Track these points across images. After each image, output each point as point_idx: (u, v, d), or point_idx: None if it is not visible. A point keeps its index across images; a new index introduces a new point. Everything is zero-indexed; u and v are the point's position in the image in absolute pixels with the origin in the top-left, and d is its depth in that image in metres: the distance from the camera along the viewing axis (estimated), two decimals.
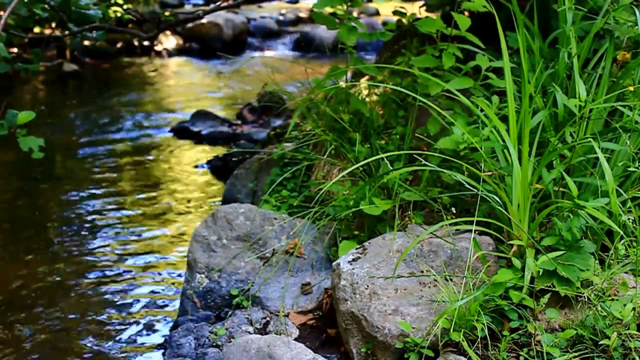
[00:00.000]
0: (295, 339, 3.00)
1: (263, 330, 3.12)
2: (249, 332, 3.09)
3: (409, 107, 3.97)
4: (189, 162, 6.12)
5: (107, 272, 4.20)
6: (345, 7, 3.88)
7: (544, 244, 2.71)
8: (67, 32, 6.24)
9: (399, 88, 3.45)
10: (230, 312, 3.24)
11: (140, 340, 3.50)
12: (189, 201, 5.27)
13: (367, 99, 4.14)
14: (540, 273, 2.61)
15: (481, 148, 2.99)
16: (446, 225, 2.86)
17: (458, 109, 3.45)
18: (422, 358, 2.56)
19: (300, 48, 11.13)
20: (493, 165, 2.96)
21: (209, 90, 8.77)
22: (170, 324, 3.55)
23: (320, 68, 4.68)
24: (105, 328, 3.62)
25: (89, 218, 4.96)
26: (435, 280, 2.78)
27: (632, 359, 2.41)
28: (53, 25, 7.17)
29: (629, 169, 2.88)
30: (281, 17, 12.47)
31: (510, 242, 2.78)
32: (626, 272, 2.68)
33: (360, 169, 3.53)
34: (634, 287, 2.59)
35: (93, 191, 5.45)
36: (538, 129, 3.06)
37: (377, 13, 12.88)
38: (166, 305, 3.83)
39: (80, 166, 6.01)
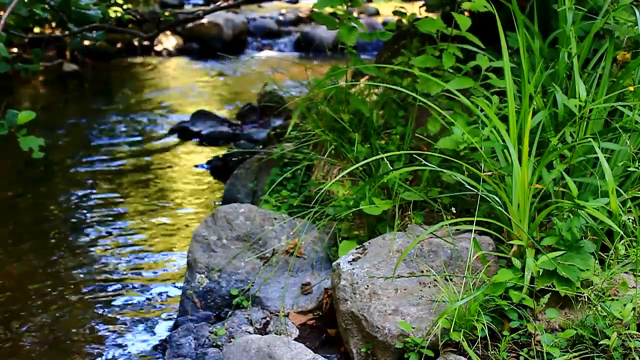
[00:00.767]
0: (295, 339, 3.00)
1: (263, 330, 3.12)
2: (249, 332, 3.09)
3: (409, 107, 3.97)
4: (189, 162, 6.13)
5: (107, 272, 4.20)
6: (345, 7, 3.88)
7: (544, 244, 2.71)
8: (67, 32, 6.24)
9: (399, 88, 3.45)
10: (230, 312, 3.24)
11: (140, 340, 3.50)
12: (189, 201, 5.27)
13: (367, 99, 4.14)
14: (540, 273, 2.61)
15: (481, 148, 2.99)
16: (446, 225, 2.86)
17: (458, 109, 3.45)
18: (422, 358, 2.56)
19: (300, 48, 11.13)
20: (493, 165, 2.96)
21: (209, 90, 8.77)
22: (170, 324, 3.55)
23: (320, 68, 4.68)
24: (105, 328, 3.62)
25: (88, 218, 4.96)
26: (435, 280, 2.78)
27: (632, 359, 2.41)
28: (53, 25, 7.17)
29: (629, 169, 2.88)
30: (281, 17, 12.48)
31: (510, 242, 2.78)
32: (626, 272, 2.68)
33: (360, 169, 3.53)
34: (634, 287, 2.59)
35: (93, 191, 5.45)
36: (538, 129, 3.05)
37: (377, 13, 12.88)
38: (166, 305, 3.83)
39: (80, 166, 6.01)
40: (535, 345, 2.54)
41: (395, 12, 4.45)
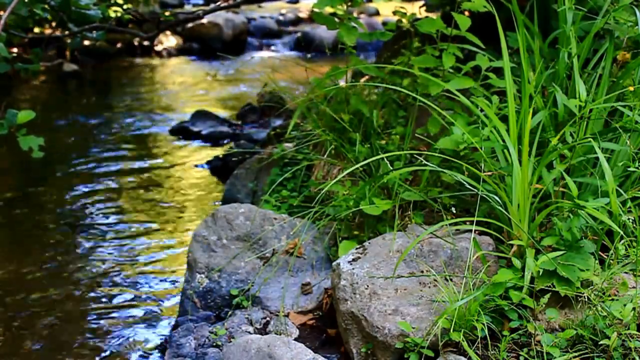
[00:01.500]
0: (295, 339, 3.00)
1: (263, 330, 3.12)
2: (249, 332, 3.09)
3: (409, 107, 3.97)
4: (189, 162, 6.13)
5: (107, 272, 4.20)
6: (345, 7, 3.88)
7: (544, 244, 2.71)
8: (67, 32, 6.24)
9: (399, 88, 3.45)
10: (230, 312, 3.24)
11: (140, 340, 3.50)
12: (189, 201, 5.27)
13: (367, 99, 4.14)
14: (540, 273, 2.61)
15: (481, 148, 2.99)
16: (446, 225, 2.86)
17: (458, 109, 3.45)
18: (422, 358, 2.56)
19: (300, 48, 11.13)
20: (493, 165, 2.96)
21: (209, 90, 8.77)
22: (171, 324, 3.55)
23: (320, 68, 4.68)
24: (105, 328, 3.62)
25: (88, 217, 4.96)
26: (435, 280, 2.78)
27: (632, 359, 2.41)
28: (53, 25, 7.17)
29: (629, 169, 2.88)
30: (281, 17, 12.48)
31: (510, 242, 2.78)
32: (626, 272, 2.68)
33: (360, 169, 3.53)
34: (634, 287, 2.59)
35: (93, 191, 5.45)
36: (538, 129, 3.05)
37: (377, 13, 12.88)
38: (166, 306, 3.83)
39: (80, 166, 6.01)
40: (535, 345, 2.54)
41: (395, 12, 4.45)
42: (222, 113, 7.43)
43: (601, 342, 2.44)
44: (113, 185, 5.59)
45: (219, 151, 6.29)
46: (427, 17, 3.81)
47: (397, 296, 2.75)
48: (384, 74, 4.01)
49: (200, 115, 7.05)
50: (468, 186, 2.87)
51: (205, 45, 10.72)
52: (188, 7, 12.62)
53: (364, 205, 3.23)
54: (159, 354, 3.34)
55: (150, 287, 4.04)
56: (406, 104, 4.06)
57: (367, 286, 2.79)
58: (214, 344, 3.06)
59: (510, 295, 2.60)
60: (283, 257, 3.40)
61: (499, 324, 2.63)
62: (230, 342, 2.97)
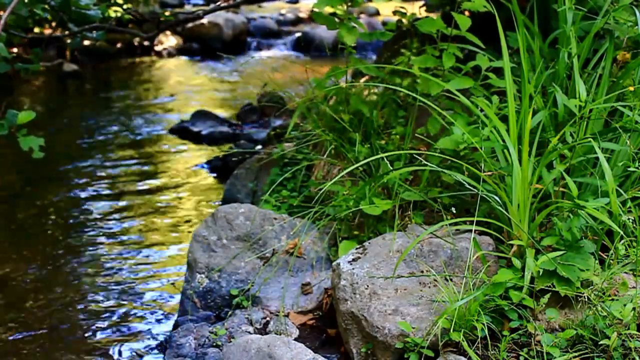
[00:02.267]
0: (295, 339, 3.00)
1: (263, 330, 3.12)
2: (249, 332, 3.09)
3: (409, 107, 3.97)
4: (189, 162, 6.13)
5: (107, 272, 4.20)
6: (345, 7, 3.88)
7: (544, 244, 2.71)
8: (67, 32, 6.24)
9: (399, 88, 3.45)
10: (230, 312, 3.24)
11: (140, 340, 3.50)
12: (189, 201, 5.27)
13: (367, 99, 4.14)
14: (540, 273, 2.61)
15: (481, 148, 2.99)
16: (446, 225, 2.86)
17: (458, 109, 3.45)
18: (422, 358, 2.56)
19: (300, 48, 11.13)
20: (493, 165, 2.96)
21: (209, 90, 8.77)
22: (170, 324, 3.55)
23: (320, 68, 4.68)
24: (105, 328, 3.62)
25: (88, 218, 4.96)
26: (435, 280, 2.78)
27: (632, 359, 2.41)
28: (53, 25, 7.17)
29: (629, 169, 2.88)
30: (281, 17, 12.48)
31: (510, 242, 2.78)
32: (626, 272, 2.68)
33: (360, 169, 3.53)
34: (634, 287, 2.59)
35: (93, 191, 5.45)
36: (538, 129, 3.05)
37: (377, 13, 12.88)
38: (166, 306, 3.83)
39: (80, 166, 6.01)
40: (535, 345, 2.54)
41: (395, 12, 4.45)
42: (222, 113, 7.43)
43: (601, 342, 2.44)
44: (113, 185, 5.59)
45: (219, 151, 6.29)
46: (427, 17, 3.81)
47: (397, 296, 2.75)
48: (384, 74, 4.01)
49: (200, 115, 7.05)
50: (468, 186, 2.87)
51: (205, 45, 10.72)
52: (188, 7, 12.61)
53: (364, 205, 3.23)
54: (159, 354, 3.34)
55: (150, 287, 4.04)
56: (406, 104, 4.05)
57: (367, 286, 2.79)
58: (214, 344, 3.06)
59: (510, 295, 2.60)
60: (283, 257, 3.40)
61: (499, 324, 2.63)
62: (230, 342, 2.97)
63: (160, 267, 4.27)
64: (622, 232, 2.61)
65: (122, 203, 5.23)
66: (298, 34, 11.44)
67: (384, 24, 5.37)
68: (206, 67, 10.07)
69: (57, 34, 6.90)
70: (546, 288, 2.60)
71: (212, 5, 10.17)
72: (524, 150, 2.80)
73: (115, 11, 8.44)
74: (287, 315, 3.17)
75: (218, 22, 10.87)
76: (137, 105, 7.98)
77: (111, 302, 3.87)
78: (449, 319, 2.51)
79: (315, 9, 3.90)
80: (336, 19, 3.89)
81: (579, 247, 2.67)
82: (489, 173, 2.88)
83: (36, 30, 8.72)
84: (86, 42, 9.43)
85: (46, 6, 5.37)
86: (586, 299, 2.57)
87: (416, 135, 3.52)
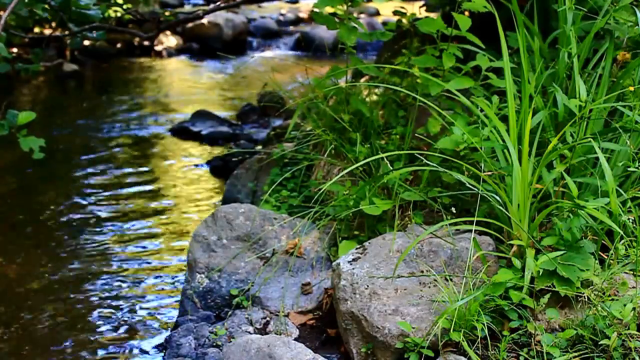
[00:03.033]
0: (295, 339, 3.00)
1: (263, 330, 3.12)
2: (249, 332, 3.09)
3: (409, 107, 3.97)
4: (189, 162, 6.13)
5: (107, 272, 4.20)
6: (345, 7, 3.88)
7: (544, 244, 2.71)
8: (67, 32, 6.24)
9: (399, 88, 3.45)
10: (230, 312, 3.24)
11: (140, 340, 3.50)
12: (188, 201, 5.27)
13: (367, 99, 4.14)
14: (540, 273, 2.61)
15: (481, 148, 2.99)
16: (446, 225, 2.86)
17: (458, 109, 3.45)
18: (422, 358, 2.56)
19: (300, 48, 11.13)
20: (493, 165, 2.96)
21: (209, 90, 8.77)
22: (171, 324, 3.55)
23: (320, 68, 4.68)
24: (105, 328, 3.62)
25: (88, 218, 4.96)
26: (435, 280, 2.78)
27: (632, 359, 2.41)
28: (53, 25, 7.17)
29: (629, 169, 2.88)
30: (281, 17, 12.48)
31: (510, 242, 2.78)
32: (626, 272, 2.68)
33: (360, 169, 3.53)
34: (634, 287, 2.59)
35: (93, 191, 5.45)
36: (538, 129, 3.05)
37: (377, 13, 12.88)
38: (166, 305, 3.83)
39: (80, 166, 6.01)
40: (535, 345, 2.54)
41: (395, 12, 4.45)
42: (222, 113, 7.43)
43: (601, 342, 2.44)
44: (113, 185, 5.59)
45: (219, 151, 6.29)
46: (427, 17, 3.81)
47: (397, 296, 2.75)
48: (384, 74, 4.01)
49: (200, 115, 7.05)
50: (468, 186, 2.87)
51: (205, 45, 10.72)
52: (188, 7, 12.62)
53: (364, 205, 3.23)
54: (159, 354, 3.34)
55: (150, 287, 4.04)
56: (406, 104, 4.05)
57: (367, 286, 2.79)
58: (214, 344, 3.06)
59: (510, 295, 2.60)
60: (283, 257, 3.40)
61: (499, 324, 2.63)
62: (230, 342, 2.97)
63: (160, 267, 4.27)
64: (622, 232, 2.61)
65: (121, 203, 5.23)
66: (298, 34, 11.44)
67: (384, 24, 5.37)
68: (206, 67, 10.07)
69: (57, 34, 6.90)
70: (546, 288, 2.60)
71: (212, 5, 10.17)
72: (524, 150, 2.80)
73: (115, 11, 8.44)
74: (287, 315, 3.17)
75: (218, 22, 10.87)
76: (137, 105, 7.98)
77: (111, 302, 3.87)
78: (449, 319, 2.51)
79: (315, 9, 3.90)
80: (336, 19, 3.89)
81: (579, 247, 2.67)
82: (489, 173, 2.88)
83: (36, 30, 8.72)
84: (86, 42, 9.43)
85: (46, 6, 5.37)
86: (586, 299, 2.57)
87: (416, 135, 3.52)
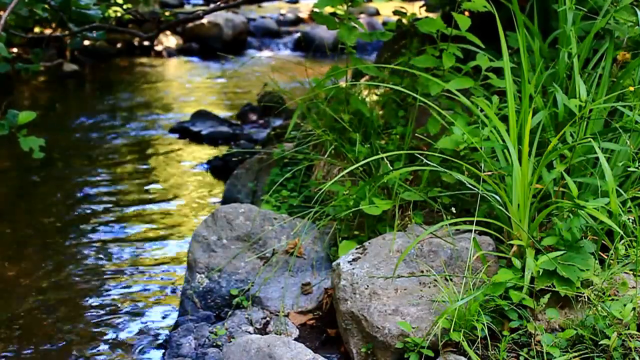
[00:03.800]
0: (295, 339, 3.00)
1: (263, 330, 3.12)
2: (249, 332, 3.09)
3: (409, 107, 3.97)
4: (189, 162, 6.13)
5: (107, 272, 4.20)
6: (345, 7, 3.88)
7: (544, 244, 2.71)
8: (67, 32, 6.24)
9: (399, 88, 3.45)
10: (230, 312, 3.24)
11: (140, 340, 3.50)
12: (188, 201, 5.27)
13: (367, 99, 4.14)
14: (540, 273, 2.61)
15: (481, 148, 2.99)
16: (446, 225, 2.86)
17: (458, 109, 3.45)
18: (422, 358, 2.56)
19: (300, 48, 11.13)
20: (493, 165, 2.96)
21: (209, 90, 8.77)
22: (170, 324, 3.55)
23: (320, 68, 4.68)
24: (105, 328, 3.62)
25: (88, 218, 4.96)
26: (435, 280, 2.78)
27: (632, 359, 2.41)
28: (53, 25, 7.17)
29: (629, 169, 2.88)
30: (281, 17, 12.48)
31: (510, 242, 2.78)
32: (626, 272, 2.68)
33: (360, 169, 3.53)
34: (634, 287, 2.59)
35: (92, 191, 5.45)
36: (538, 129, 3.06)
37: (377, 13, 12.89)
38: (166, 305, 3.83)
39: (80, 166, 6.01)
40: (535, 345, 2.54)
41: (395, 12, 4.45)
42: (222, 113, 7.43)
43: (601, 342, 2.44)
44: (112, 185, 5.59)
45: (219, 151, 6.29)
46: (427, 17, 3.81)
47: (397, 296, 2.75)
48: (384, 74, 4.01)
49: (200, 115, 7.05)
50: (468, 186, 2.87)
51: (205, 45, 10.72)
52: (188, 7, 12.62)
53: (364, 205, 3.23)
54: (159, 354, 3.34)
55: (150, 287, 4.04)
56: (406, 104, 4.06)
57: (367, 286, 2.79)
58: (214, 344, 3.06)
59: (510, 295, 2.60)
60: (283, 257, 3.40)
61: (499, 324, 2.63)
62: (230, 342, 2.97)
63: (160, 267, 4.27)
64: (622, 232, 2.61)
65: (121, 203, 5.23)
66: (298, 34, 11.44)
67: (384, 24, 5.37)
68: (206, 67, 10.07)
69: (57, 34, 6.90)
70: (546, 288, 2.60)
71: (212, 5, 10.17)
72: (524, 150, 2.80)
73: (115, 11, 8.44)
74: (287, 315, 3.17)
75: (218, 22, 10.87)
76: (137, 105, 7.98)
77: (111, 302, 3.87)
78: (449, 319, 2.51)
79: (315, 9, 3.90)
80: (336, 19, 3.89)
81: (579, 247, 2.67)
82: (489, 173, 2.88)
83: (36, 30, 8.72)
84: (86, 42, 9.43)
85: (46, 6, 5.37)
86: (586, 299, 2.57)
87: (416, 135, 3.52)
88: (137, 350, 3.41)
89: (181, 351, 3.06)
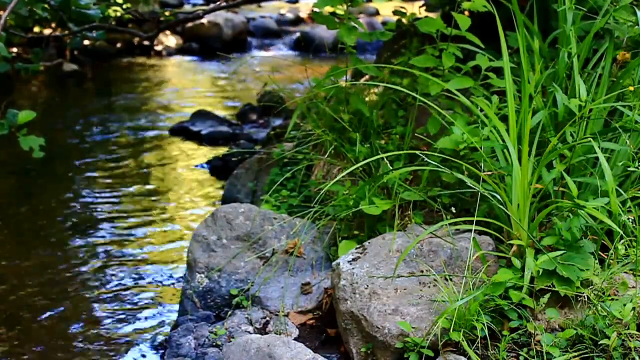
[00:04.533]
0: (295, 339, 3.00)
1: (263, 330, 3.12)
2: (249, 332, 3.09)
3: (409, 107, 3.97)
4: (189, 162, 6.13)
5: (107, 272, 4.20)
6: (345, 7, 3.88)
7: (544, 244, 2.71)
8: (67, 32, 6.24)
9: (399, 88, 3.45)
10: (230, 312, 3.24)
11: (140, 340, 3.50)
12: (188, 201, 5.27)
13: (367, 99, 4.14)
14: (540, 273, 2.61)
15: (481, 148, 2.99)
16: (446, 225, 2.86)
17: (458, 109, 3.45)
18: (422, 358, 2.55)
19: (300, 48, 11.13)
20: (493, 165, 2.96)
21: (209, 90, 8.77)
22: (170, 324, 3.55)
23: (320, 68, 4.68)
24: (105, 328, 3.62)
25: (88, 218, 4.96)
26: (435, 280, 2.78)
27: (632, 359, 2.41)
28: (53, 25, 7.17)
29: (629, 169, 2.88)
30: (281, 17, 12.48)
31: (510, 242, 2.78)
32: (626, 272, 2.68)
33: (360, 169, 3.53)
34: (634, 287, 2.59)
35: (93, 191, 5.45)
36: (538, 129, 3.05)
37: (377, 13, 12.89)
38: (166, 305, 3.83)
39: (80, 166, 6.01)
40: (535, 345, 2.54)
41: (395, 12, 4.45)
42: (222, 113, 7.43)
43: (601, 342, 2.44)
44: (113, 185, 5.59)
45: (219, 151, 6.29)
46: (427, 17, 3.81)
47: (397, 296, 2.75)
48: (384, 74, 4.01)
49: (200, 115, 7.05)
50: (468, 186, 2.87)
51: (205, 45, 10.72)
52: (188, 7, 12.62)
53: (364, 205, 3.23)
54: (159, 354, 3.34)
55: (150, 287, 4.04)
56: (406, 104, 4.05)
57: (367, 286, 2.79)
58: (214, 344, 3.06)
59: (510, 295, 2.60)
60: (283, 257, 3.40)
61: (499, 324, 2.63)
62: (230, 342, 2.97)
63: (160, 267, 4.27)
64: (622, 232, 2.61)
65: (121, 203, 5.23)
66: (298, 34, 11.44)
67: (384, 24, 5.37)
68: (206, 67, 10.07)
69: (57, 34, 6.90)
70: (546, 288, 2.60)
71: (212, 5, 10.17)
72: (524, 150, 2.80)
73: (115, 11, 8.44)
74: (287, 315, 3.17)
75: (218, 22, 10.87)
76: (137, 105, 7.98)
77: (111, 302, 3.87)
78: (449, 319, 2.51)
79: (315, 9, 3.90)
80: (336, 19, 3.89)
81: (579, 247, 2.67)
82: (489, 173, 2.88)
83: (36, 30, 8.72)
84: (86, 42, 9.43)
85: (46, 6, 5.37)
86: (586, 299, 2.57)
87: (416, 135, 3.52)
88: (137, 350, 3.41)
89: (181, 351, 3.06)
